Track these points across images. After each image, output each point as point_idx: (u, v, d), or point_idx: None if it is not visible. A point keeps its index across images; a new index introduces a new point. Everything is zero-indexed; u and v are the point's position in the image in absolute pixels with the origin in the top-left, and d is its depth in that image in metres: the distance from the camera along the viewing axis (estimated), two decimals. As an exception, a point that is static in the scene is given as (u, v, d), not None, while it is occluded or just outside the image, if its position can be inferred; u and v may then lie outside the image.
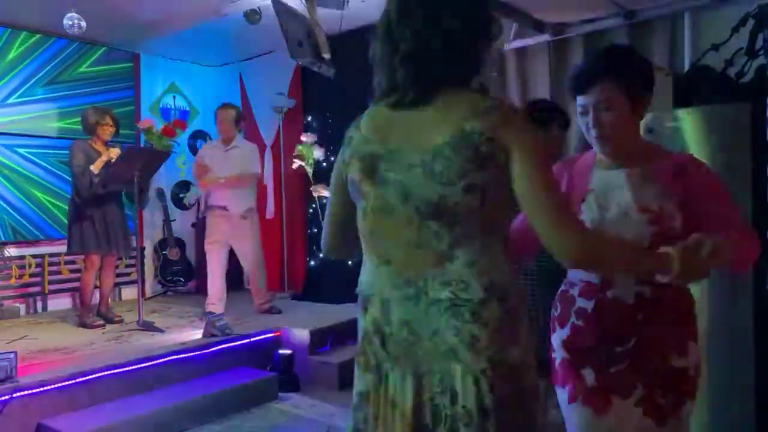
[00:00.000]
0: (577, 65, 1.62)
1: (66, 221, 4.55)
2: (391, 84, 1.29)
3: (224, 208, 4.62)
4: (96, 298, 4.62)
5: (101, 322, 4.44)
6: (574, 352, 1.59)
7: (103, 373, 3.29)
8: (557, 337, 1.65)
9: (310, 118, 5.60)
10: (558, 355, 1.65)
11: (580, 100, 1.55)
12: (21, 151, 5.18)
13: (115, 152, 4.35)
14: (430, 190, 1.17)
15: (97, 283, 4.56)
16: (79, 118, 4.62)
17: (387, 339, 1.24)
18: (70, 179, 4.51)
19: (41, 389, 3.06)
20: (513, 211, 1.24)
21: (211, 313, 4.37)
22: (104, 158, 4.30)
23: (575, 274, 1.63)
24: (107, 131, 4.39)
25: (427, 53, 1.21)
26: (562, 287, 1.68)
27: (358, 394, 1.30)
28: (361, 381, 1.29)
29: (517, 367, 1.18)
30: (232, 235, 4.65)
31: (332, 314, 4.60)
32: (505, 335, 1.17)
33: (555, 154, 2.36)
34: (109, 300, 4.74)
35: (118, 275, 5.51)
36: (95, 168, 4.25)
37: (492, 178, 1.15)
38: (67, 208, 4.56)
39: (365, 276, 1.30)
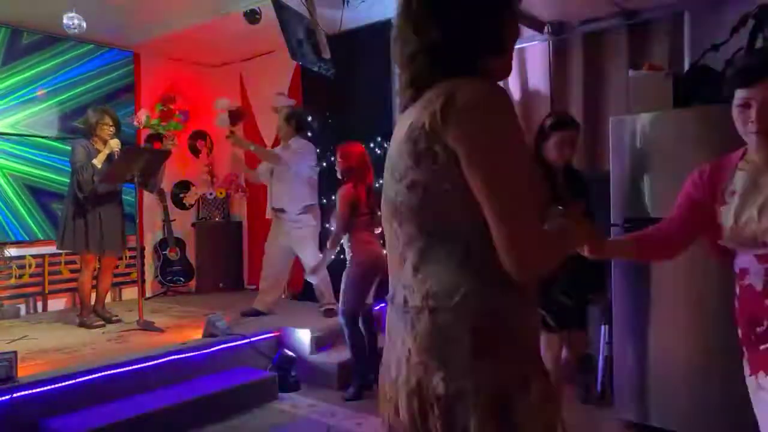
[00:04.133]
0: (745, 59, 1.71)
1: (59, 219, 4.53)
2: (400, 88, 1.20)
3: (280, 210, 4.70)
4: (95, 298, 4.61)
5: (101, 322, 4.43)
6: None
7: (103, 373, 3.29)
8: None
9: (310, 118, 5.60)
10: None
11: (744, 93, 1.57)
12: (21, 151, 5.18)
13: (115, 143, 4.34)
14: (391, 189, 1.13)
15: (94, 283, 4.56)
16: (80, 118, 4.62)
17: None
18: (69, 178, 4.47)
19: (41, 389, 3.06)
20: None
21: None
22: (106, 151, 4.30)
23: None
24: (107, 131, 4.37)
25: (423, 52, 1.10)
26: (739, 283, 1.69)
27: None
28: None
29: (441, 397, 1.00)
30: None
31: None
32: (432, 354, 1.02)
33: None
34: (107, 299, 4.73)
35: (118, 275, 5.53)
36: (98, 161, 4.25)
37: (433, 177, 1.03)
38: (63, 205, 4.51)
39: None
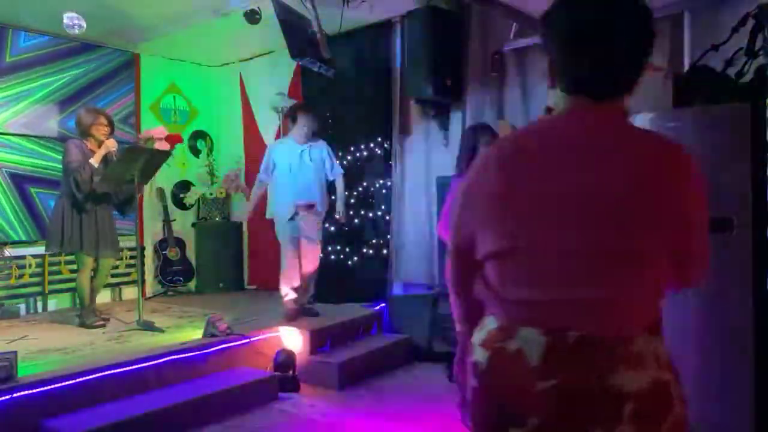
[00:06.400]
0: None
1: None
2: None
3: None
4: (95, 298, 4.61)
5: (102, 322, 4.44)
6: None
7: (103, 373, 3.28)
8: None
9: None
10: None
11: None
12: (21, 151, 5.18)
13: (112, 143, 4.31)
14: None
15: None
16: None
17: None
18: (62, 179, 4.39)
19: (41, 389, 3.06)
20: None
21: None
22: (102, 151, 4.27)
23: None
24: (101, 131, 4.32)
25: None
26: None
27: None
28: None
29: None
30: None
31: (332, 314, 4.60)
32: None
33: None
34: (107, 299, 4.73)
35: (118, 275, 5.54)
36: (95, 161, 4.24)
37: None
38: (54, 206, 4.44)
39: None
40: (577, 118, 1.11)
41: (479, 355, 1.14)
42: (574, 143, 1.08)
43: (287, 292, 4.51)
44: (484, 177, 1.14)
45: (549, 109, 1.36)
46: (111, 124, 4.43)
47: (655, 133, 1.19)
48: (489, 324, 1.14)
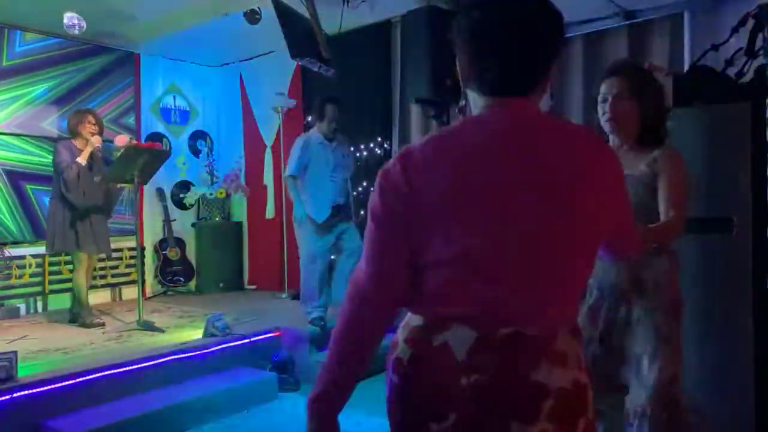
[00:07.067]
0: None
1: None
2: None
3: None
4: (96, 298, 4.61)
5: (102, 321, 4.44)
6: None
7: (103, 373, 3.29)
8: None
9: (310, 118, 5.60)
10: None
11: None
12: (17, 149, 5.18)
13: (97, 139, 4.34)
14: None
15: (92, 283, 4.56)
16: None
17: None
18: (53, 180, 4.42)
19: (41, 389, 3.06)
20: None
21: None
22: (88, 148, 4.31)
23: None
24: (89, 129, 4.36)
25: None
26: None
27: None
28: None
29: None
30: None
31: (332, 314, 4.60)
32: None
33: None
34: (107, 298, 4.73)
35: (118, 275, 5.54)
36: (82, 159, 4.27)
37: None
38: (48, 207, 4.49)
39: None
40: (494, 117, 1.09)
41: (402, 351, 1.11)
42: (496, 142, 1.07)
43: (311, 311, 4.26)
44: (411, 183, 1.06)
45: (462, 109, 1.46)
46: (98, 123, 4.47)
47: (575, 125, 1.22)
48: (413, 321, 1.11)
